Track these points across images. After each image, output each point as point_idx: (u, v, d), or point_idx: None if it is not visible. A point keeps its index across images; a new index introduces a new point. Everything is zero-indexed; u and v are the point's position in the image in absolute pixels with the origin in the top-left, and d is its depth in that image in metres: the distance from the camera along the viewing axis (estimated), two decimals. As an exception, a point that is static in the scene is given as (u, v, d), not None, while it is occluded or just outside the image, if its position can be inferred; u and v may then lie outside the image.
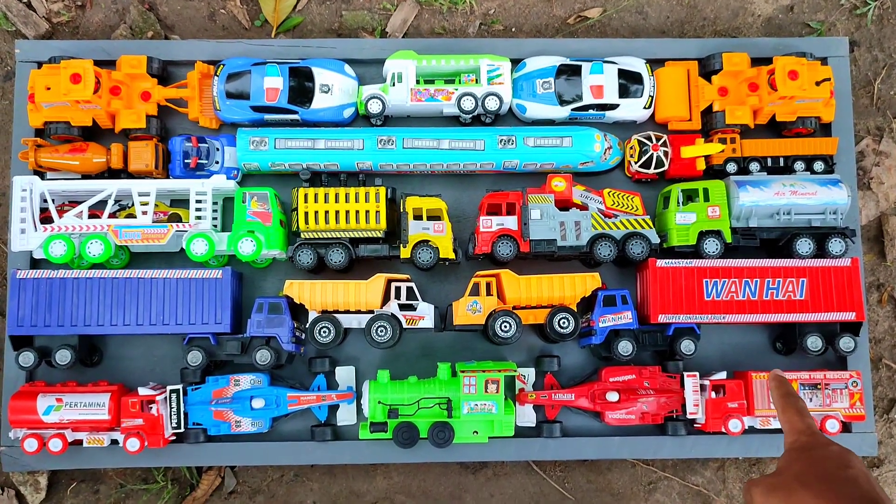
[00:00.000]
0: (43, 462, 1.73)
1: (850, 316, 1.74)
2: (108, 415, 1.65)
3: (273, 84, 1.78)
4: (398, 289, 1.72)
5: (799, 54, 1.81)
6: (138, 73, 1.78)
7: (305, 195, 1.72)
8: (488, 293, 1.71)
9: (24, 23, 1.94)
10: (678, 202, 1.76)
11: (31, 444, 1.65)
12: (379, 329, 1.68)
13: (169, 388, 1.69)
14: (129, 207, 1.77)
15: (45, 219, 1.72)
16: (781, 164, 1.82)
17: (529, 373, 1.79)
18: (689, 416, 1.74)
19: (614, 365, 1.76)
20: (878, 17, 2.04)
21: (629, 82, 1.84)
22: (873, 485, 0.81)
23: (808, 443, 0.89)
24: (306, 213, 1.71)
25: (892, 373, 1.93)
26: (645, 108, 1.84)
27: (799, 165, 1.82)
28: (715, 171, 1.83)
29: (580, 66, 1.84)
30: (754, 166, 1.81)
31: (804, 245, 1.75)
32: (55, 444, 1.65)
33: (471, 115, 1.82)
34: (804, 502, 0.79)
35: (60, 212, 1.72)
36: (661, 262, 1.74)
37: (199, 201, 1.73)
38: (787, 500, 0.81)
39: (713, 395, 1.73)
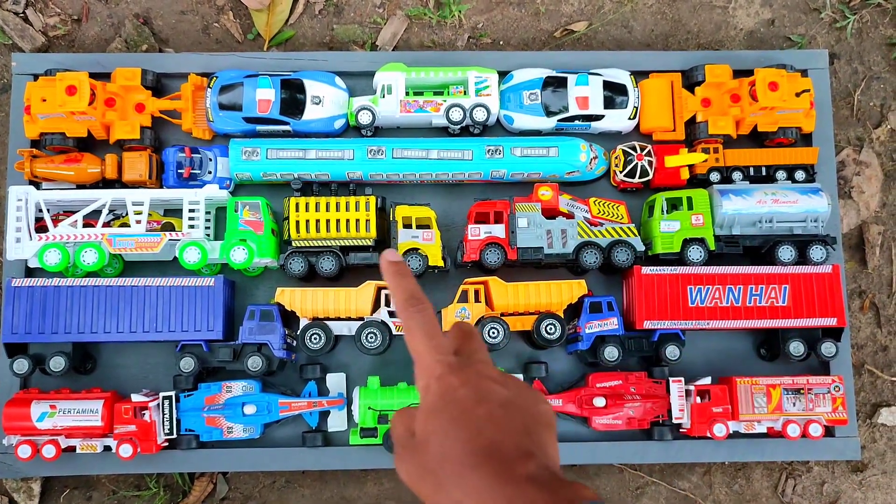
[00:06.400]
0: (36, 469, 1.75)
1: (831, 322, 1.77)
2: (102, 421, 1.67)
3: (265, 96, 1.82)
4: (388, 296, 1.75)
5: (780, 66, 1.85)
6: (133, 85, 1.81)
7: (297, 204, 1.75)
8: (476, 300, 1.74)
9: (20, 36, 1.98)
10: (662, 210, 1.80)
11: (24, 451, 1.67)
12: (369, 335, 1.71)
13: (162, 394, 1.72)
14: (123, 217, 1.79)
15: (41, 228, 1.74)
16: (763, 173, 1.86)
17: (517, 379, 1.81)
18: (674, 421, 1.76)
19: (601, 371, 1.79)
20: (857, 30, 2.09)
21: (614, 94, 1.88)
22: (518, 408, 0.62)
23: (440, 394, 0.63)
24: (297, 222, 1.74)
25: (874, 378, 1.96)
26: (630, 118, 1.88)
27: (781, 175, 1.86)
28: (698, 181, 1.86)
29: (566, 79, 1.88)
30: (737, 175, 1.85)
31: (786, 252, 1.78)
32: (48, 451, 1.66)
33: (459, 126, 1.86)
34: (453, 499, 0.59)
35: (55, 221, 1.75)
36: (646, 270, 1.77)
37: (192, 210, 1.76)
38: (439, 492, 0.60)
39: (698, 400, 1.75)
